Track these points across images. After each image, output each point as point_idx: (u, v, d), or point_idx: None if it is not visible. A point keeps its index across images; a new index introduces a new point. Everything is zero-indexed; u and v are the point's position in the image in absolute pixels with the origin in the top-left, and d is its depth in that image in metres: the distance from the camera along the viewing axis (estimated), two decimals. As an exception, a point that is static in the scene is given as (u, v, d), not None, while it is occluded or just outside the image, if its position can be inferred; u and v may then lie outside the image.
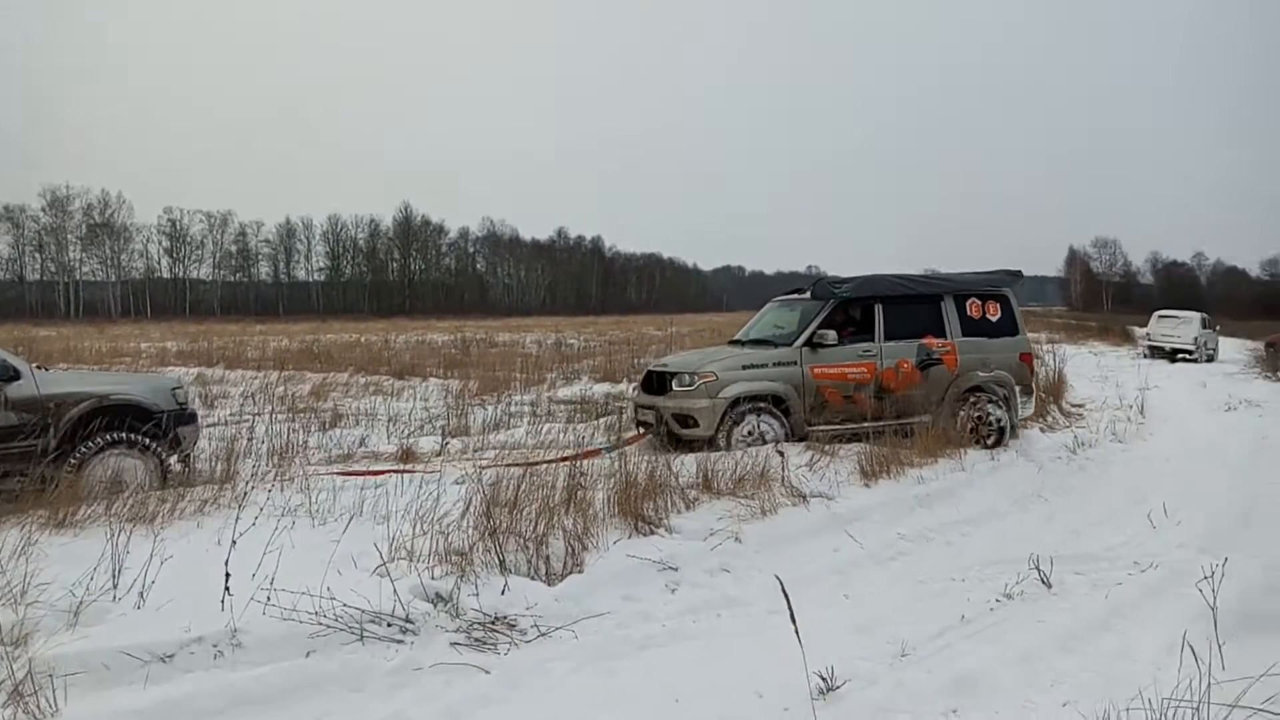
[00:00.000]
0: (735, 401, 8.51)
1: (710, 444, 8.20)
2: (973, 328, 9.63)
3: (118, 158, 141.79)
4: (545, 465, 6.38)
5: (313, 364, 18.97)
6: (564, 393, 14.12)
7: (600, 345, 26.00)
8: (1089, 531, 6.35)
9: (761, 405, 8.61)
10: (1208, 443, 10.33)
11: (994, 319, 9.77)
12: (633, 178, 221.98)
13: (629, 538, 5.41)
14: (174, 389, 7.19)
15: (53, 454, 6.03)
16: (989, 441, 9.08)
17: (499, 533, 4.91)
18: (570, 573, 4.85)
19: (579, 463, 6.30)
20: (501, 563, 4.74)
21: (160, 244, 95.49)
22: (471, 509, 5.26)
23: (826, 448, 7.82)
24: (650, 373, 9.54)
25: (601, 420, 10.80)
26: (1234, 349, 28.35)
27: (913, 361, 9.28)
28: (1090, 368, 19.93)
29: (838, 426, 8.67)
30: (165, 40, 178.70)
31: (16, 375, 6.18)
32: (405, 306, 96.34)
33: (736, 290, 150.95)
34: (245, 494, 5.87)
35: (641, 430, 9.45)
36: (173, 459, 6.80)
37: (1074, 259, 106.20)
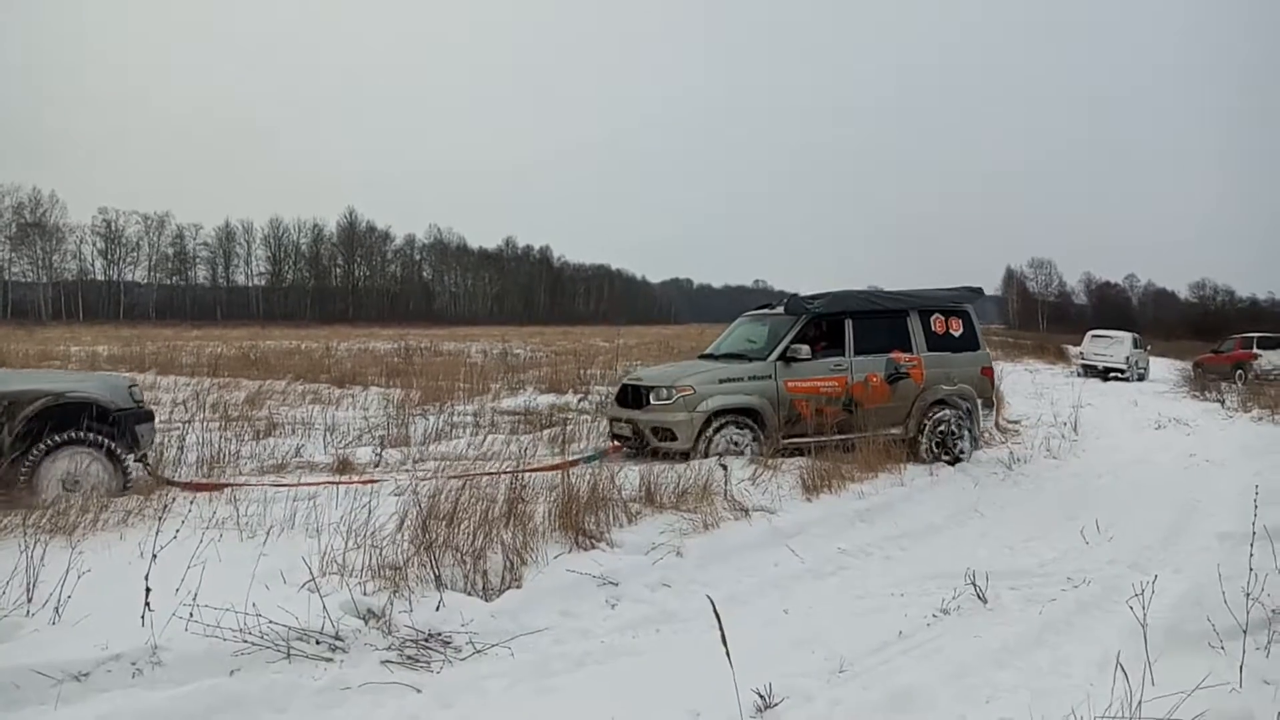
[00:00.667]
0: (712, 415, 8.62)
1: (687, 457, 8.24)
2: (937, 342, 9.90)
3: (50, 155, 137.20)
4: (511, 475, 6.27)
5: (249, 371, 18.50)
6: (508, 403, 13.99)
7: (547, 356, 25.89)
8: (1023, 547, 6.44)
9: (738, 418, 8.70)
10: (1138, 459, 10.61)
11: (957, 334, 10.07)
12: (584, 189, 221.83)
13: (570, 552, 5.33)
14: (130, 386, 7.07)
15: (8, 454, 5.91)
16: (956, 451, 9.43)
17: (435, 546, 4.80)
18: (508, 588, 4.76)
19: (521, 476, 6.20)
20: (437, 578, 4.63)
21: (94, 245, 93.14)
22: (408, 522, 5.14)
23: (770, 462, 7.84)
24: (625, 386, 9.63)
25: (545, 432, 10.71)
26: (1164, 369, 29.33)
27: (881, 375, 9.49)
28: (1026, 385, 20.40)
29: (810, 439, 8.75)
30: (100, 35, 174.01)
31: None
32: (349, 314, 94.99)
33: (685, 303, 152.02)
34: (168, 505, 5.67)
35: (616, 443, 9.49)
36: (130, 458, 6.62)
37: (1011, 278, 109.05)
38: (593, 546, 5.48)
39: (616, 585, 5.02)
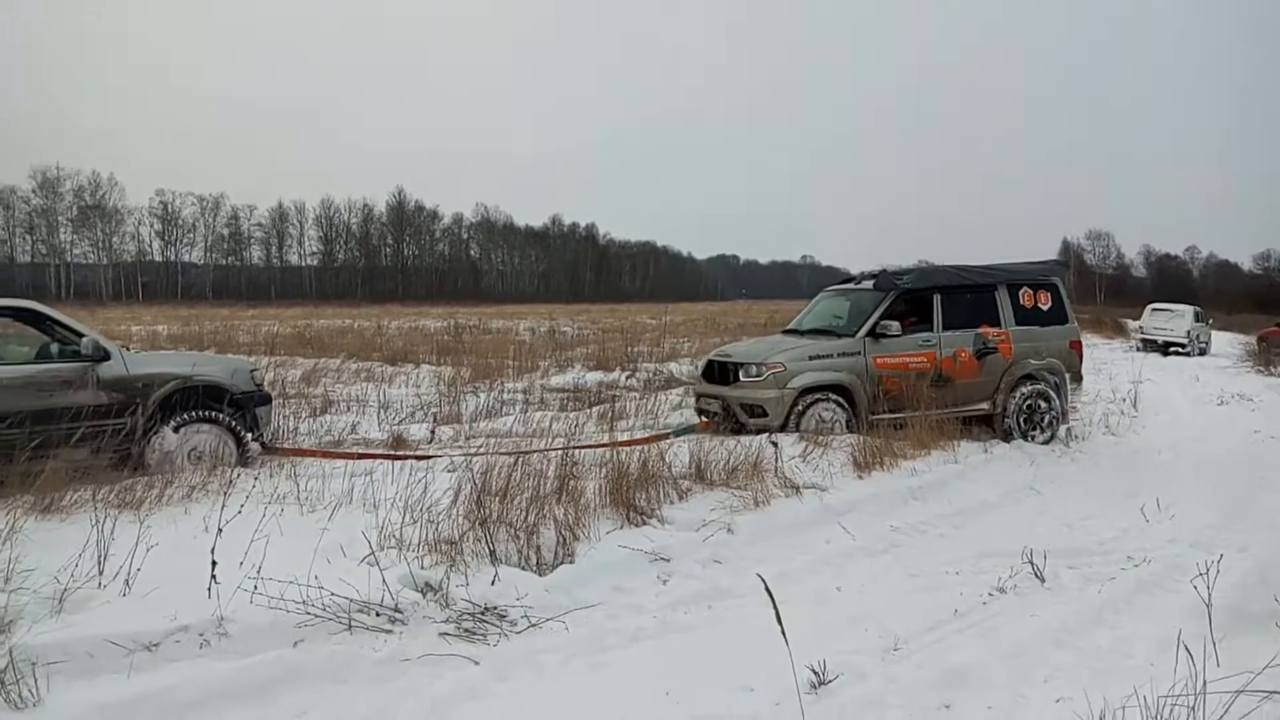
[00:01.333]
0: (803, 392, 8.65)
1: (768, 430, 8.27)
2: (1025, 316, 9.82)
3: (109, 139, 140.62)
4: (592, 450, 6.39)
5: (304, 349, 18.87)
6: (557, 381, 14.07)
7: (594, 333, 25.97)
8: (1081, 525, 6.33)
9: (828, 395, 8.72)
10: (1200, 436, 10.35)
11: (1045, 308, 9.97)
12: (629, 166, 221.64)
13: (621, 528, 5.37)
14: (252, 371, 7.52)
15: (143, 431, 6.46)
16: (1043, 425, 9.47)
17: (489, 522, 4.86)
18: (561, 563, 4.81)
19: (573, 453, 6.24)
20: (492, 553, 4.70)
21: (152, 227, 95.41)
22: (462, 497, 5.22)
23: (820, 439, 7.80)
24: (712, 362, 9.67)
25: (594, 409, 10.76)
26: (1226, 343, 28.45)
27: (970, 350, 9.42)
28: (1084, 359, 19.92)
29: (899, 414, 8.74)
30: (156, 22, 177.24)
31: (106, 356, 6.50)
32: (398, 292, 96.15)
33: (730, 279, 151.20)
34: (232, 480, 5.82)
35: (704, 419, 9.55)
36: (249, 437, 7.04)
37: (1068, 251, 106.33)
38: (644, 523, 5.51)
39: (668, 561, 5.04)
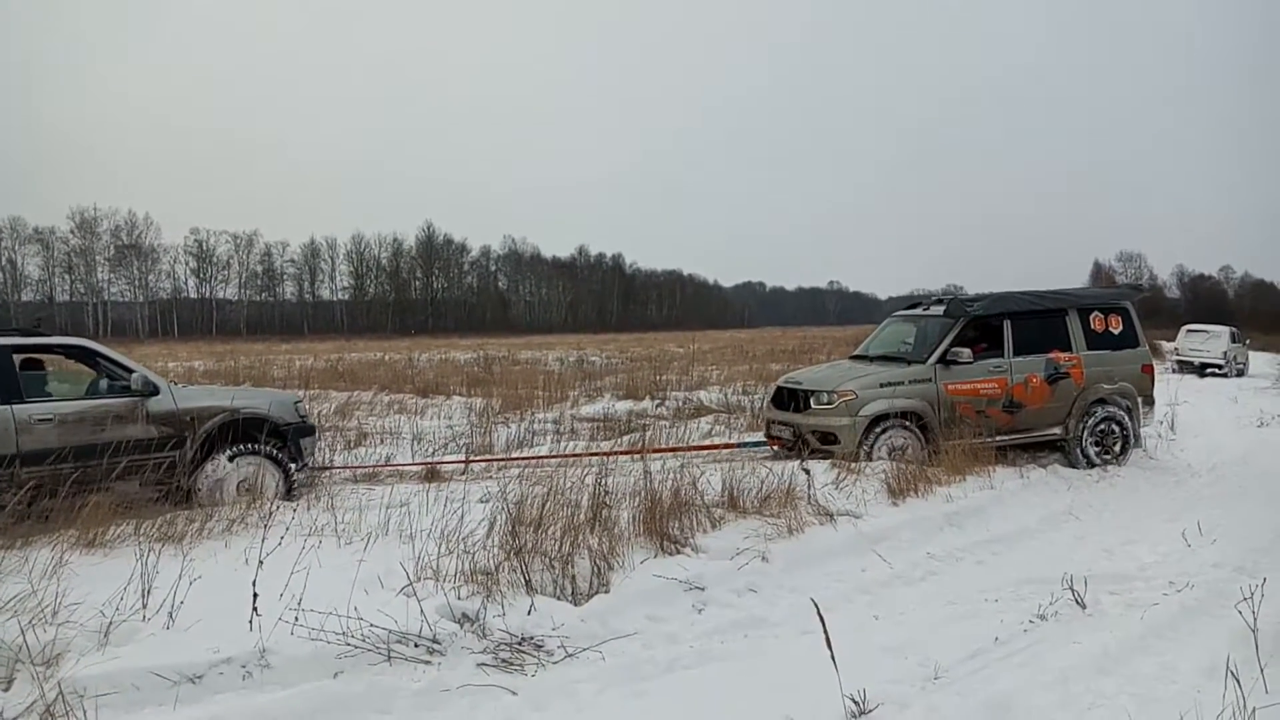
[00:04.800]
0: (876, 419, 8.65)
1: (854, 459, 8.29)
2: (1097, 341, 9.75)
3: (144, 179, 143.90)
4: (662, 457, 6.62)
5: (337, 382, 19.08)
6: (587, 410, 14.12)
7: (622, 362, 26.02)
8: (1122, 550, 6.24)
9: (900, 421, 8.71)
10: (1241, 459, 10.16)
11: (1116, 331, 9.90)
12: (655, 195, 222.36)
13: (655, 557, 5.37)
14: (296, 403, 7.70)
15: (191, 462, 6.67)
16: (1116, 450, 9.43)
17: (524, 552, 4.89)
18: (596, 592, 4.82)
19: (605, 480, 6.26)
20: (528, 582, 4.72)
21: (187, 264, 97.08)
22: (497, 527, 5.25)
23: (853, 466, 7.75)
24: (781, 389, 9.71)
25: (625, 438, 10.78)
26: (1265, 363, 27.99)
27: (1041, 376, 9.37)
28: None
29: (972, 441, 8.67)
30: (190, 62, 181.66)
31: (156, 390, 6.67)
32: (428, 325, 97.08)
33: (758, 306, 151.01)
34: (271, 513, 5.89)
35: (775, 445, 9.57)
36: (294, 468, 7.23)
37: (1099, 273, 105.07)
38: (677, 551, 5.51)
39: (703, 590, 5.03)
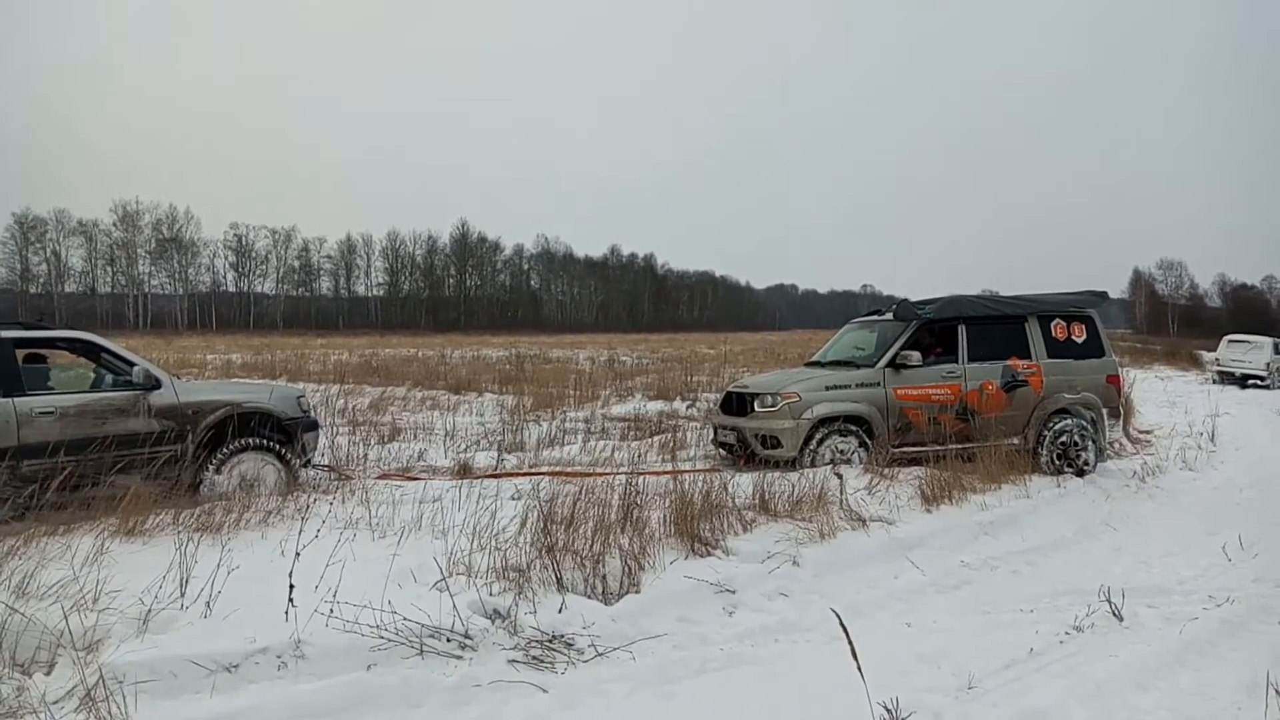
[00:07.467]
0: (819, 422, 8.50)
1: (792, 465, 8.12)
2: (1058, 349, 9.54)
3: (186, 173, 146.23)
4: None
5: (372, 378, 19.29)
6: (618, 410, 14.13)
7: (653, 363, 26.03)
8: (1160, 563, 6.13)
9: (845, 426, 8.57)
10: (1285, 473, 9.94)
11: (1079, 340, 9.68)
12: (687, 195, 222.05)
13: (685, 558, 5.36)
14: (299, 398, 7.73)
15: (194, 456, 6.68)
16: (1079, 463, 9.04)
17: (556, 550, 4.91)
18: (627, 592, 4.82)
19: (635, 481, 6.26)
20: (559, 581, 4.73)
21: (226, 258, 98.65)
22: (528, 525, 5.27)
23: (886, 471, 7.69)
24: (730, 393, 9.58)
25: (655, 438, 10.77)
26: (1309, 375, 27.30)
27: (998, 383, 9.18)
28: (1157, 393, 19.38)
29: (921, 448, 8.56)
30: (232, 60, 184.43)
31: (158, 384, 6.70)
32: (461, 322, 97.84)
33: (789, 309, 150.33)
34: (308, 506, 5.96)
35: (722, 451, 9.47)
36: (297, 463, 7.26)
37: (1139, 281, 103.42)
38: (708, 553, 5.50)
39: (733, 593, 5.01)
